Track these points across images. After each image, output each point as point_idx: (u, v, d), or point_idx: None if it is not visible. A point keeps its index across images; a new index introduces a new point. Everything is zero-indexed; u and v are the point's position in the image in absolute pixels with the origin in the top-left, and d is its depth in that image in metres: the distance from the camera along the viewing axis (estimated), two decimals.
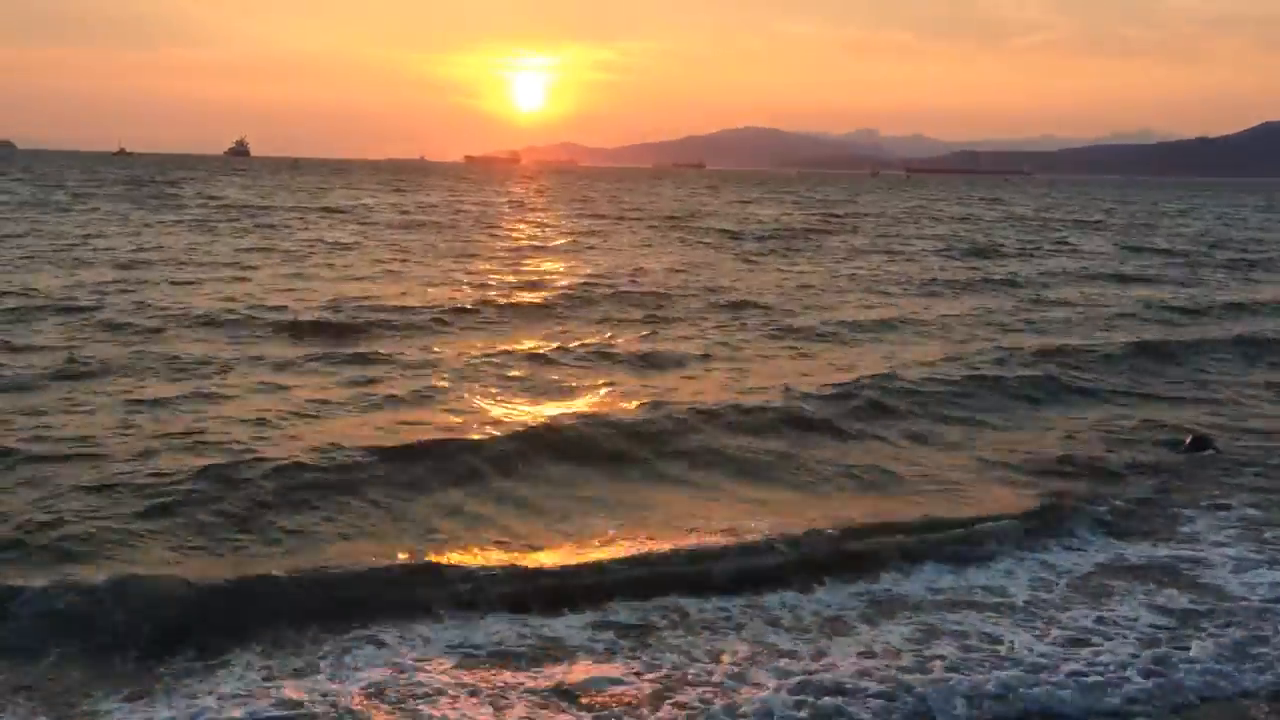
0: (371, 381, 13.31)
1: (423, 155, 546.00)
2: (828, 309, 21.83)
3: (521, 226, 45.61)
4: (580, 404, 12.65)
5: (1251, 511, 9.76)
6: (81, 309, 18.17)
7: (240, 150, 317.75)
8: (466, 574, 7.57)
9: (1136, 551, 8.73)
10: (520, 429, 11.16)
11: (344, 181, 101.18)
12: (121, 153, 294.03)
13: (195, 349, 15.03)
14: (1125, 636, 7.03)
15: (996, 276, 29.30)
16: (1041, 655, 6.68)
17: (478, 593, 7.30)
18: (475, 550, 8.15)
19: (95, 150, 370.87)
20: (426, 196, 74.58)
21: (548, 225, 46.61)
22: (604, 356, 15.54)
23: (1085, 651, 6.77)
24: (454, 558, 7.95)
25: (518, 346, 16.17)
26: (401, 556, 7.92)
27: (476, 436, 10.82)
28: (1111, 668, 6.55)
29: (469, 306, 19.94)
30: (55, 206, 45.25)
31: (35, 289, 20.13)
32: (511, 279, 25.13)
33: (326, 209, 52.88)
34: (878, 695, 6.08)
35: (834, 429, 11.97)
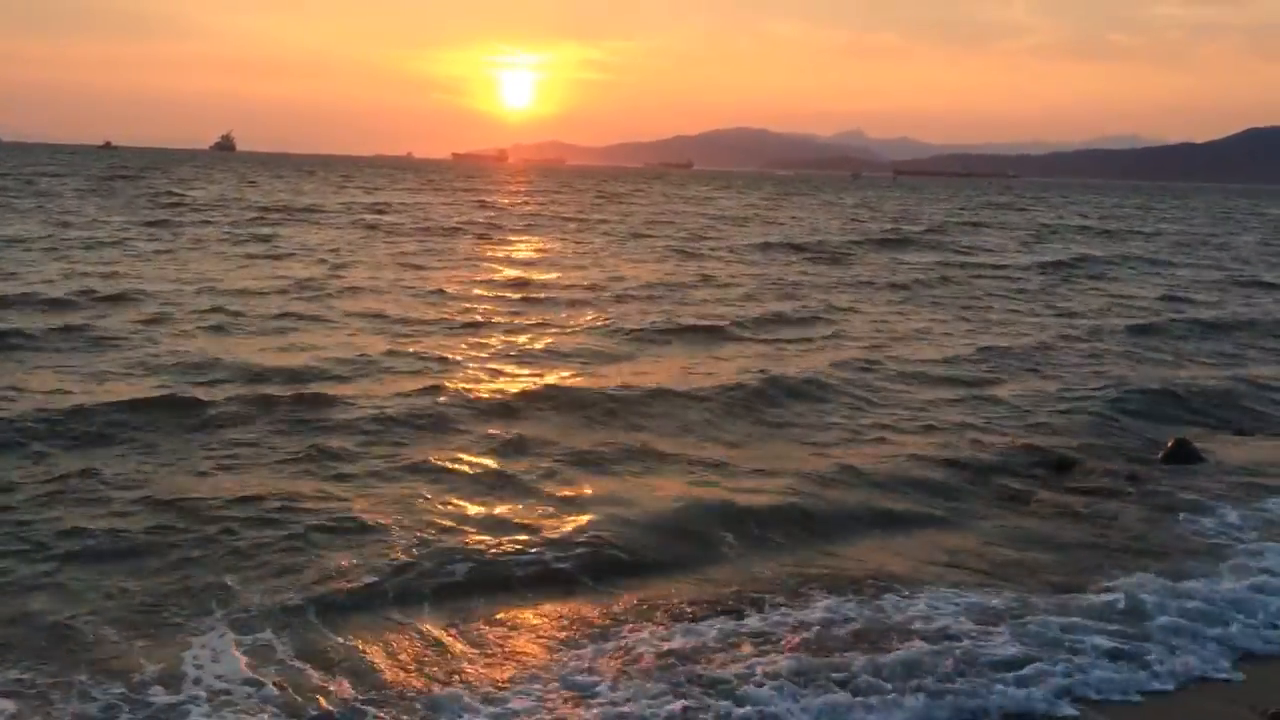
0: None
1: (410, 152, 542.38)
2: None
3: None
4: None
5: None
6: None
7: (225, 145, 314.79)
8: None
9: None
10: None
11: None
12: (107, 146, 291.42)
13: None
14: None
15: None
16: None
17: None
18: None
19: (80, 143, 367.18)
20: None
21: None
22: None
23: None
24: None
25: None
26: None
27: None
28: None
29: None
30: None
31: None
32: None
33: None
34: None
35: None
